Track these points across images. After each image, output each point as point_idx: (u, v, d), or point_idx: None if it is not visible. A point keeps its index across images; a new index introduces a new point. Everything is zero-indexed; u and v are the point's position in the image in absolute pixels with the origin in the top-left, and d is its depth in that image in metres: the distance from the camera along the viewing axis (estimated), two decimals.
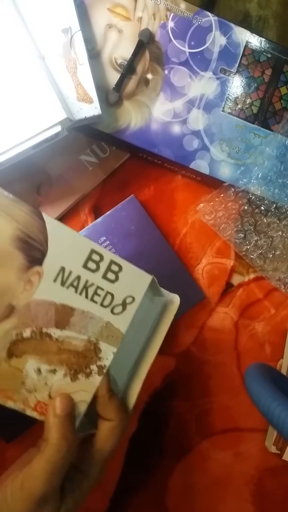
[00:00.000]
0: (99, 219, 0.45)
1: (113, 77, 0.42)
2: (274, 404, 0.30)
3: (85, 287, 0.29)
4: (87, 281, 0.29)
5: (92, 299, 0.29)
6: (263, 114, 0.45)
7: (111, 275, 0.29)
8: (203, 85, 0.44)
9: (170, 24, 0.43)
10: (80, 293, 0.29)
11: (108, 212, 0.45)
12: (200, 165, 0.44)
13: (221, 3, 0.48)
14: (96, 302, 0.29)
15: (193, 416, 0.47)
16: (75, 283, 0.29)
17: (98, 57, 0.42)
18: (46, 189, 0.45)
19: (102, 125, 0.42)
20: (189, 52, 0.44)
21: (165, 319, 0.34)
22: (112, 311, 0.30)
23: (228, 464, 0.47)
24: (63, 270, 0.28)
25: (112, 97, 0.42)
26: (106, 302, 0.29)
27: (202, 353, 0.47)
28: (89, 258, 0.29)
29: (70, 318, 0.29)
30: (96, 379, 0.30)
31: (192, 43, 0.43)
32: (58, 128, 0.37)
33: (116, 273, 0.30)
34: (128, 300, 0.30)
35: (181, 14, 0.43)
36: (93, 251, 0.29)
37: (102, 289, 0.29)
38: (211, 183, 0.47)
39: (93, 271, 0.29)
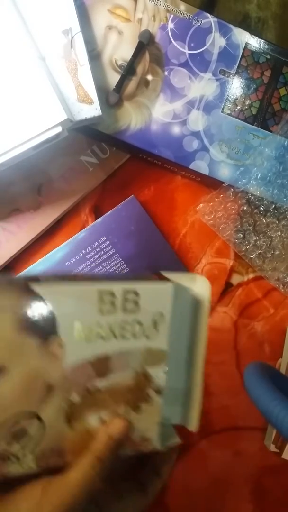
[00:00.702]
0: (99, 219, 0.46)
1: (113, 78, 0.43)
2: (274, 403, 0.30)
3: (111, 330, 0.27)
4: (109, 324, 0.27)
5: (122, 337, 0.27)
6: (262, 115, 0.45)
7: (130, 305, 0.27)
8: (202, 86, 0.44)
9: (170, 25, 0.43)
10: (108, 338, 0.27)
11: (108, 213, 0.46)
12: (200, 165, 0.45)
13: (220, 5, 0.49)
14: (127, 338, 0.27)
15: None
16: (99, 332, 0.26)
17: (98, 58, 0.42)
18: (47, 189, 0.45)
19: (102, 126, 0.42)
20: (189, 54, 0.44)
21: (201, 306, 0.30)
22: (146, 337, 0.27)
23: (228, 463, 0.47)
24: (81, 327, 0.26)
25: (112, 98, 0.43)
26: (137, 332, 0.27)
27: None
28: (100, 302, 0.26)
29: (109, 364, 0.27)
30: (157, 400, 0.28)
31: (192, 44, 0.44)
32: (58, 129, 0.37)
33: (134, 301, 0.27)
34: (158, 318, 0.28)
35: (181, 16, 0.43)
36: (101, 293, 0.26)
37: (127, 323, 0.27)
38: (210, 183, 0.47)
39: (111, 312, 0.27)
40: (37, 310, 0.25)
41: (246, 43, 0.44)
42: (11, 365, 0.25)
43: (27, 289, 0.25)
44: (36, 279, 0.25)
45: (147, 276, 0.29)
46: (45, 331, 0.25)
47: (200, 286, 0.30)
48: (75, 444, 0.27)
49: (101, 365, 0.27)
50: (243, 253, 0.48)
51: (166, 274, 0.30)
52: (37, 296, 0.25)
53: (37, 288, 0.25)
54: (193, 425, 0.30)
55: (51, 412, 0.26)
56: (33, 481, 0.26)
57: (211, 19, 0.44)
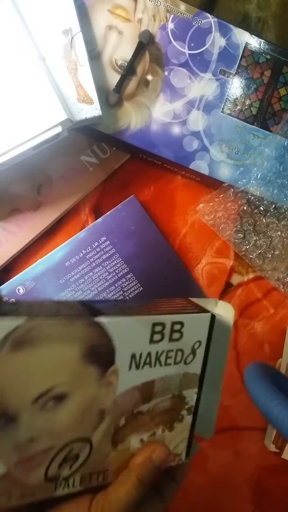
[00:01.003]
0: (99, 219, 0.46)
1: (113, 78, 0.43)
2: (273, 403, 0.30)
3: (157, 358, 0.28)
4: (157, 353, 0.28)
5: (166, 364, 0.29)
6: (262, 115, 0.45)
7: (176, 335, 0.29)
8: (202, 86, 0.44)
9: (170, 25, 0.43)
10: (155, 365, 0.28)
11: (108, 213, 0.46)
12: (200, 165, 0.45)
13: (220, 5, 0.49)
14: (170, 364, 0.29)
15: None
16: (147, 360, 0.28)
17: (98, 58, 0.42)
18: (47, 189, 0.45)
19: (102, 126, 0.42)
20: (189, 54, 0.44)
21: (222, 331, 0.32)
22: (185, 363, 0.29)
23: (228, 463, 0.47)
24: (134, 356, 0.28)
25: (112, 98, 0.43)
26: (178, 359, 0.29)
27: None
28: (152, 333, 0.28)
29: (153, 389, 0.28)
30: (188, 419, 0.30)
31: (192, 44, 0.44)
32: (58, 129, 0.37)
33: (179, 331, 0.29)
34: (196, 345, 0.30)
35: (181, 16, 0.43)
36: (154, 325, 0.28)
37: (172, 351, 0.29)
38: (210, 183, 0.47)
39: (159, 341, 0.28)
40: (101, 341, 0.26)
41: (246, 43, 0.44)
42: (71, 393, 0.26)
43: (95, 323, 0.26)
44: (100, 312, 0.27)
45: (186, 305, 0.31)
46: (106, 361, 0.27)
47: (225, 311, 0.32)
48: (117, 464, 0.28)
49: (147, 391, 0.28)
50: (243, 253, 0.48)
51: (194, 300, 0.32)
52: (101, 328, 0.26)
53: (102, 320, 0.26)
54: (210, 434, 0.33)
55: (100, 436, 0.27)
56: (77, 498, 0.27)
57: (211, 19, 0.44)
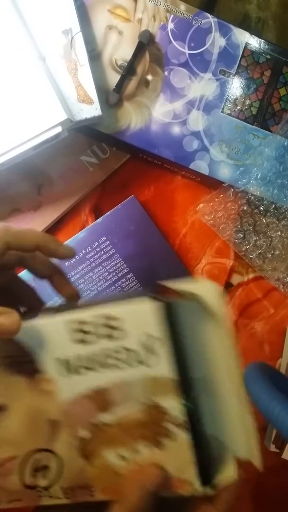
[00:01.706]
0: (99, 219, 0.46)
1: (114, 78, 0.43)
2: (274, 403, 0.30)
3: (97, 361, 0.25)
4: (93, 355, 0.25)
5: (116, 367, 0.25)
6: (262, 115, 0.45)
7: (114, 332, 0.25)
8: (202, 86, 0.44)
9: (170, 25, 0.43)
10: (98, 370, 0.25)
11: (108, 213, 0.46)
12: (200, 165, 0.45)
13: (220, 5, 0.49)
14: (121, 368, 0.25)
15: None
16: (85, 364, 0.25)
17: (98, 58, 0.42)
18: (47, 189, 0.45)
19: (102, 126, 0.42)
20: (189, 54, 0.44)
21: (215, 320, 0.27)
22: (145, 365, 0.25)
23: None
24: (61, 361, 0.25)
25: (112, 98, 0.43)
26: (132, 361, 0.25)
27: None
28: (72, 333, 0.25)
29: (108, 397, 0.25)
30: (182, 435, 0.25)
31: (192, 44, 0.44)
32: (58, 129, 0.38)
33: (116, 327, 0.25)
34: (150, 342, 0.24)
35: (181, 16, 0.43)
36: (70, 323, 0.25)
37: (114, 350, 0.25)
38: (210, 183, 0.47)
39: (90, 342, 0.25)
40: (14, 349, 0.25)
41: (246, 43, 0.44)
42: (10, 403, 0.26)
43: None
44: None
45: (139, 294, 0.26)
46: (30, 369, 0.25)
47: (205, 291, 0.26)
48: (102, 481, 0.26)
49: (100, 398, 0.25)
50: (243, 253, 0.48)
51: (168, 284, 0.27)
52: (11, 338, 0.25)
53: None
54: (253, 456, 0.27)
55: (64, 448, 0.26)
56: None
57: (211, 19, 0.44)
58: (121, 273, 0.45)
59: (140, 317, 0.24)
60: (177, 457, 0.25)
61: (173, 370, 0.24)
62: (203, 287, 0.26)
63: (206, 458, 0.26)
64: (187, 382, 0.25)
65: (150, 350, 0.25)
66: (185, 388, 0.25)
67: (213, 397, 0.26)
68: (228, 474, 0.26)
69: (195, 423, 0.25)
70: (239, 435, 0.27)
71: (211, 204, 0.47)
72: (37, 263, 0.30)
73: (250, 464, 0.27)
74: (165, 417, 0.25)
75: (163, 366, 0.24)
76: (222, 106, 0.45)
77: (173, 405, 0.25)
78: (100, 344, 0.25)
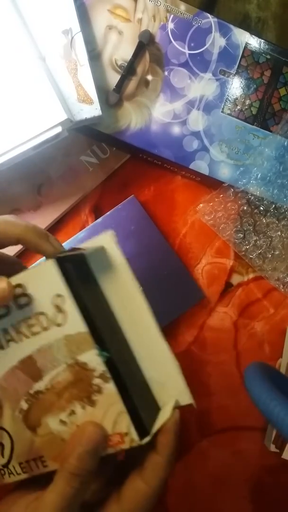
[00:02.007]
0: (99, 220, 0.46)
1: (114, 78, 0.43)
2: (274, 403, 0.30)
3: (18, 332, 0.26)
4: (14, 327, 0.26)
5: (33, 334, 0.25)
6: (262, 115, 0.45)
7: (22, 300, 0.25)
8: (202, 86, 0.44)
9: (170, 25, 0.43)
10: (21, 340, 0.26)
11: (108, 213, 0.46)
12: (200, 165, 0.45)
13: (220, 5, 0.49)
14: (38, 333, 0.25)
15: (193, 415, 0.47)
16: (8, 338, 0.26)
17: (98, 58, 0.42)
18: (47, 189, 0.45)
19: (102, 126, 0.42)
20: (189, 54, 0.44)
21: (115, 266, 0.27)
22: (57, 325, 0.25)
23: (228, 463, 0.47)
24: None
25: (112, 98, 0.43)
26: (45, 324, 0.25)
27: (202, 353, 0.47)
28: None
29: (36, 365, 0.26)
30: (110, 388, 0.25)
31: (192, 44, 0.44)
32: (58, 129, 0.38)
33: (24, 294, 0.25)
34: (58, 301, 0.25)
35: (181, 16, 0.43)
36: None
37: (30, 318, 0.25)
38: (210, 183, 0.47)
39: (5, 314, 0.26)
40: None
41: (246, 43, 0.44)
42: None
43: None
44: None
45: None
46: None
47: (103, 241, 0.27)
48: (51, 450, 0.26)
49: (29, 368, 0.26)
50: (243, 253, 0.48)
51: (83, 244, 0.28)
52: None
53: None
54: (188, 399, 0.27)
55: (10, 423, 0.26)
56: (30, 491, 0.26)
57: (211, 19, 0.44)
58: None
59: (42, 279, 0.25)
60: (109, 411, 0.25)
61: (82, 323, 0.25)
62: (101, 238, 0.27)
63: (138, 405, 0.25)
64: (97, 333, 0.25)
65: (59, 309, 0.25)
66: (97, 338, 0.25)
67: (131, 343, 0.27)
68: (164, 417, 0.26)
69: (116, 372, 0.25)
70: (165, 376, 0.27)
71: (211, 204, 0.47)
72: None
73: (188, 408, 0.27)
74: (89, 372, 0.25)
75: (73, 322, 0.25)
76: (222, 106, 0.45)
77: (92, 358, 0.25)
78: (16, 314, 0.25)
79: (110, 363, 0.25)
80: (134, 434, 0.25)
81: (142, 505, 0.25)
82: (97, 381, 0.25)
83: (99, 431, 0.25)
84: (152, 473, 0.26)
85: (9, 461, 0.26)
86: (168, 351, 0.27)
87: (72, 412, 0.26)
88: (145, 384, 0.27)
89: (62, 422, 0.26)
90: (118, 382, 0.25)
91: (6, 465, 0.27)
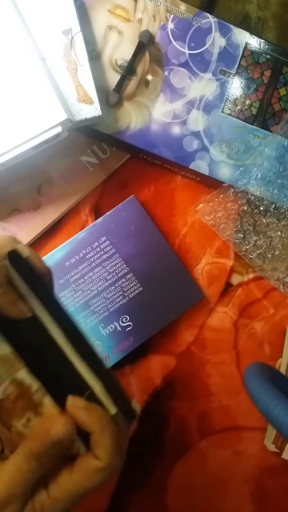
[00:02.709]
0: (99, 219, 0.46)
1: (113, 78, 0.43)
2: (273, 403, 0.30)
3: None
4: None
5: None
6: (262, 115, 0.45)
7: None
8: (202, 86, 0.44)
9: (170, 25, 0.43)
10: None
11: (108, 213, 0.46)
12: (200, 165, 0.45)
13: (220, 5, 0.49)
14: None
15: (193, 415, 0.47)
16: None
17: (98, 58, 0.42)
18: (47, 189, 0.45)
19: (102, 126, 0.42)
20: (189, 54, 0.44)
21: None
22: None
23: (228, 463, 0.47)
24: None
25: (112, 98, 0.43)
26: None
27: (202, 353, 0.47)
28: None
29: None
30: (48, 401, 0.27)
31: (192, 44, 0.44)
32: (58, 129, 0.37)
33: None
34: None
35: (181, 16, 0.43)
36: None
37: None
38: (210, 183, 0.47)
39: None
40: None
41: (246, 43, 0.44)
42: None
43: None
44: None
45: None
46: None
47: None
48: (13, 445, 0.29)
49: None
50: (243, 253, 0.48)
51: None
52: None
53: None
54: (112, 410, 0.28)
55: None
56: None
57: (211, 19, 0.44)
58: (121, 273, 0.45)
59: None
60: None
61: (6, 345, 0.27)
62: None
63: None
64: (24, 352, 0.27)
65: None
66: (25, 358, 0.27)
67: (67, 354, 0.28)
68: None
69: (49, 386, 0.27)
70: (92, 380, 0.28)
71: (211, 204, 0.47)
72: None
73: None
74: (27, 388, 0.27)
75: (1, 345, 0.27)
76: (222, 106, 0.45)
77: (25, 376, 0.27)
78: None
79: (41, 378, 0.27)
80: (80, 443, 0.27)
81: (93, 478, 0.26)
82: (36, 395, 0.27)
83: (67, 428, 0.26)
84: (97, 449, 0.26)
85: (2, 450, 0.29)
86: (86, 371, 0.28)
87: (28, 420, 0.28)
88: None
89: (25, 426, 0.28)
90: (54, 394, 0.27)
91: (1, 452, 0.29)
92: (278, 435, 0.45)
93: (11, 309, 0.26)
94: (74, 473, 0.27)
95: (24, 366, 0.27)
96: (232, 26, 0.44)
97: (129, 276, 0.45)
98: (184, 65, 0.44)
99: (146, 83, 0.43)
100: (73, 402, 0.27)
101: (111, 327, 0.45)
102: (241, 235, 0.48)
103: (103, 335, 0.45)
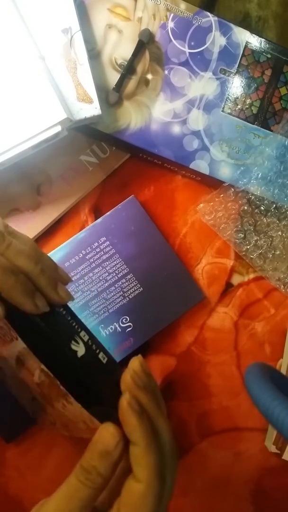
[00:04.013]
0: (99, 220, 0.45)
1: (113, 77, 0.42)
2: (274, 403, 0.30)
3: None
4: None
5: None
6: (263, 115, 0.45)
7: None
8: (203, 86, 0.44)
9: (170, 24, 0.43)
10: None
11: (108, 213, 0.46)
12: (200, 165, 0.44)
13: (221, 4, 0.48)
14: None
15: (193, 415, 0.47)
16: None
17: (98, 57, 0.42)
18: (46, 189, 0.45)
19: (102, 125, 0.42)
20: (189, 52, 0.44)
21: None
22: (15, 338, 0.28)
23: (228, 464, 0.47)
24: None
25: (112, 97, 0.42)
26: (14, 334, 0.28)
27: (202, 353, 0.47)
28: None
29: (27, 365, 0.30)
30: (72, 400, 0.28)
31: (192, 43, 0.44)
32: (58, 128, 0.37)
33: None
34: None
35: (181, 15, 0.43)
36: None
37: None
38: (211, 183, 0.47)
39: None
40: None
41: (247, 42, 0.44)
42: None
43: None
44: None
45: None
46: None
47: None
48: (61, 421, 0.32)
49: (25, 364, 0.30)
50: (243, 253, 0.47)
51: None
52: None
53: None
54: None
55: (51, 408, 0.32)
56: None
57: (211, 18, 0.44)
58: (121, 274, 0.45)
59: None
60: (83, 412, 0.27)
61: (23, 341, 0.27)
62: None
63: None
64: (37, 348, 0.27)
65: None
66: (39, 351, 0.27)
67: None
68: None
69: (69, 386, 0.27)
70: None
71: (212, 204, 0.47)
72: None
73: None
74: (54, 379, 0.27)
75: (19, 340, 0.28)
76: (223, 105, 0.44)
77: (38, 374, 0.29)
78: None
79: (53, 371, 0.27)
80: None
81: (140, 505, 0.24)
82: (61, 387, 0.27)
83: (113, 435, 0.25)
84: (137, 468, 0.24)
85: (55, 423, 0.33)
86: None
87: (64, 405, 0.28)
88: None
89: (63, 408, 0.29)
90: (73, 391, 0.27)
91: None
92: (278, 436, 0.45)
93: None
94: (120, 508, 0.25)
95: (41, 361, 0.27)
96: (232, 25, 0.44)
97: (129, 276, 0.45)
98: (184, 64, 0.44)
99: (146, 82, 0.43)
100: (129, 401, 0.25)
101: (111, 328, 0.45)
102: (242, 235, 0.47)
103: (103, 336, 0.44)
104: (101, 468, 0.24)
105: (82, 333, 0.28)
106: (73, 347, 0.27)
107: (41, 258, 0.27)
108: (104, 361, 0.28)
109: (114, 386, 0.27)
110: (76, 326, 0.28)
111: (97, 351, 0.28)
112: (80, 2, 0.42)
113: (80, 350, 0.27)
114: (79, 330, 0.28)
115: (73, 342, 0.27)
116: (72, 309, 0.29)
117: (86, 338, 0.28)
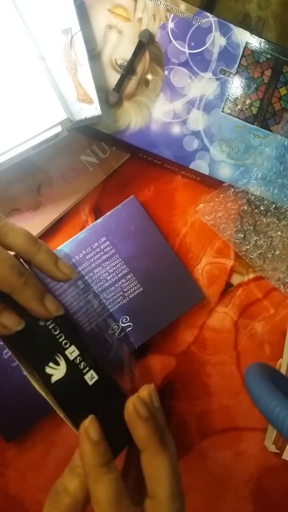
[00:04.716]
0: (99, 220, 0.45)
1: (113, 78, 0.43)
2: (274, 403, 0.30)
3: None
4: None
5: None
6: (263, 115, 0.45)
7: None
8: (203, 86, 0.44)
9: (170, 25, 0.43)
10: None
11: (108, 213, 0.46)
12: (200, 165, 0.44)
13: (221, 4, 0.48)
14: None
15: (193, 415, 0.47)
16: None
17: (98, 57, 0.42)
18: (47, 189, 0.45)
19: (102, 126, 0.42)
20: (189, 53, 0.44)
21: None
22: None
23: (228, 464, 0.47)
24: None
25: (112, 97, 0.42)
26: None
27: (202, 353, 0.47)
28: None
29: None
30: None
31: (192, 43, 0.44)
32: (58, 129, 0.37)
33: None
34: None
35: (181, 15, 0.43)
36: None
37: None
38: (211, 183, 0.47)
39: None
40: None
41: (247, 43, 0.44)
42: None
43: None
44: None
45: None
46: None
47: None
48: None
49: None
50: (243, 253, 0.47)
51: None
52: None
53: None
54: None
55: None
56: None
57: (211, 19, 0.44)
58: (121, 274, 0.45)
59: None
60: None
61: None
62: None
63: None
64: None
65: None
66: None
67: None
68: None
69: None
70: None
71: (211, 204, 0.47)
72: None
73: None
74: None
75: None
76: (223, 106, 0.44)
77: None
78: None
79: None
80: None
81: None
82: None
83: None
84: (149, 480, 0.23)
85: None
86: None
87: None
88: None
89: None
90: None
91: None
92: (278, 436, 0.45)
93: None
94: None
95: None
96: (232, 26, 0.44)
97: (129, 276, 0.45)
98: (184, 64, 0.44)
99: (146, 82, 0.43)
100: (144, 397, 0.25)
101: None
102: (242, 235, 0.47)
103: None
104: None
105: (70, 349, 0.26)
106: (48, 370, 0.25)
107: (34, 256, 0.27)
108: (91, 382, 0.26)
109: (99, 406, 0.25)
110: (64, 342, 0.26)
111: (85, 370, 0.26)
112: (80, 3, 0.42)
113: (58, 372, 0.25)
114: (67, 345, 0.26)
115: (51, 363, 0.25)
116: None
117: (73, 355, 0.26)
